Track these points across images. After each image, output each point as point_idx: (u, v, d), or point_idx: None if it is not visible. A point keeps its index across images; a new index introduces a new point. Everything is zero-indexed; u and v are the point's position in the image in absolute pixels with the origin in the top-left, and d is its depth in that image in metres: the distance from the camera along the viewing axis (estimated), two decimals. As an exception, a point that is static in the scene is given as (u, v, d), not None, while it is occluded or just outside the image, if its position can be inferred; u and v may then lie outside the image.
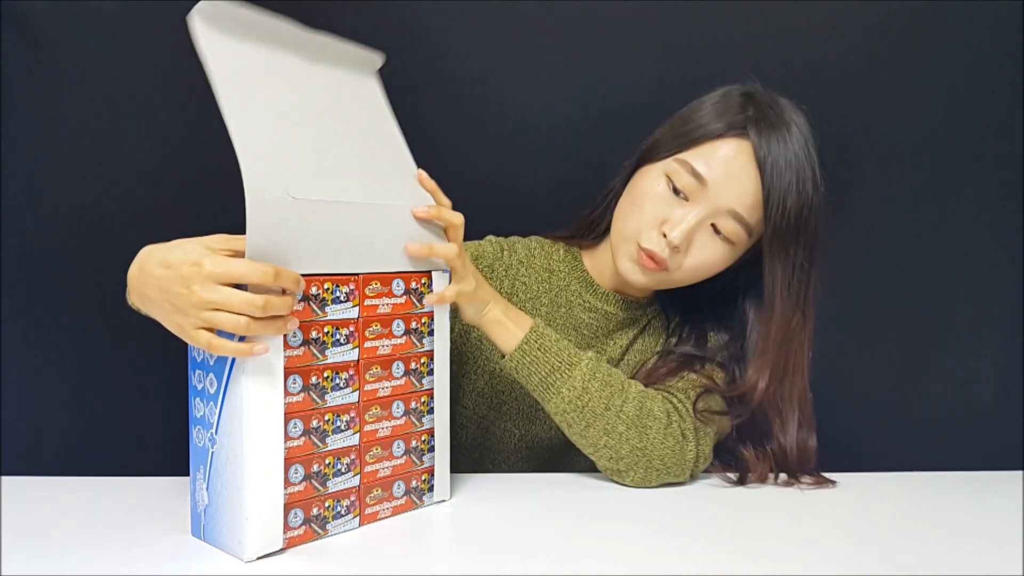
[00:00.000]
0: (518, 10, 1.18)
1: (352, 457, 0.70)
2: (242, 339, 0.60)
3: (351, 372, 0.69)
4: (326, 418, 0.67)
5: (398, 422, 0.73)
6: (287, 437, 0.64)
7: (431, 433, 0.76)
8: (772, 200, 0.84)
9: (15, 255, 1.13)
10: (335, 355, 0.67)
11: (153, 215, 1.13)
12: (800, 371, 0.89)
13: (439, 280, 0.76)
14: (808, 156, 0.85)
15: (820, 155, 0.86)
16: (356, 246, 0.68)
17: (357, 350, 0.69)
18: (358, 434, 0.70)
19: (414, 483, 0.75)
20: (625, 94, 1.20)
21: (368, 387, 0.70)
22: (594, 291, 0.98)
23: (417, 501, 0.76)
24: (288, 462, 0.65)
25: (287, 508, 0.65)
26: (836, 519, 0.79)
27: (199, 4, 0.63)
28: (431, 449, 0.77)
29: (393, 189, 0.74)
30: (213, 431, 0.63)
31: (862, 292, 1.25)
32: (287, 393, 0.64)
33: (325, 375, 0.67)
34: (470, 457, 1.00)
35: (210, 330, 0.61)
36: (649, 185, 0.88)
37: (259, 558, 0.63)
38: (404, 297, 0.73)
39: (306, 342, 0.65)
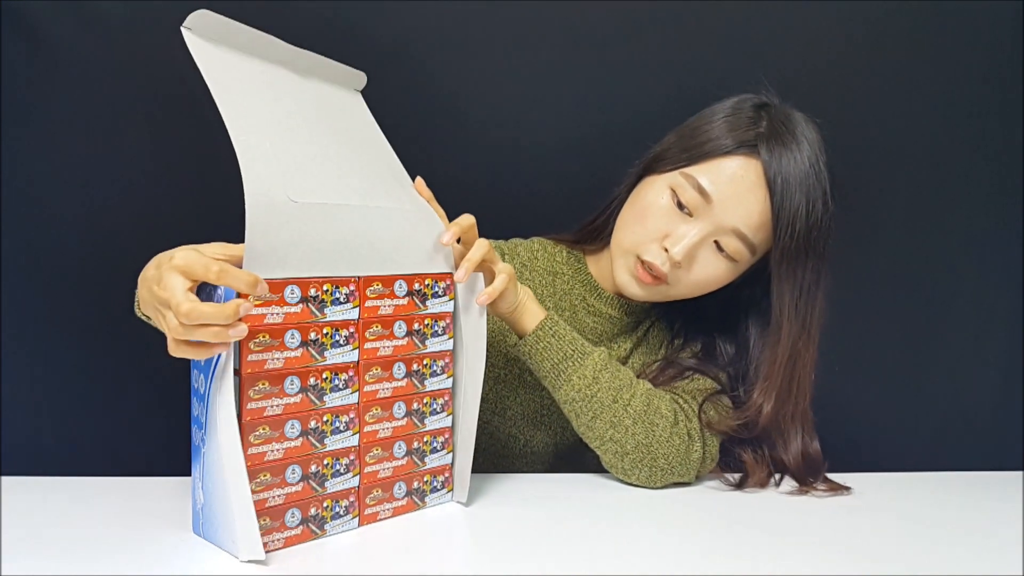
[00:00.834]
0: (524, 10, 1.17)
1: (351, 458, 0.70)
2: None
3: (351, 373, 0.69)
4: (324, 419, 0.67)
5: (399, 423, 0.73)
6: (284, 438, 0.64)
7: (435, 434, 0.76)
8: (781, 221, 0.82)
9: (15, 255, 1.12)
10: (334, 356, 0.67)
11: (153, 215, 1.13)
12: (804, 392, 0.88)
13: (470, 282, 0.76)
14: (819, 175, 0.83)
15: (831, 172, 0.84)
16: (356, 248, 0.68)
17: (357, 351, 0.69)
18: (358, 435, 0.70)
19: (416, 484, 0.75)
20: (629, 98, 1.19)
21: (368, 388, 0.70)
22: (598, 295, 0.98)
23: (419, 502, 0.76)
24: (286, 462, 0.65)
25: (284, 508, 0.65)
26: (836, 519, 0.79)
27: (190, 17, 0.64)
28: (434, 450, 0.77)
29: (391, 194, 0.74)
30: (204, 431, 0.64)
31: (862, 292, 1.25)
32: (284, 394, 0.64)
33: (324, 376, 0.67)
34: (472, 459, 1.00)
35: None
36: (653, 197, 0.87)
37: (253, 561, 0.63)
38: (407, 298, 0.72)
39: (304, 343, 0.65)
